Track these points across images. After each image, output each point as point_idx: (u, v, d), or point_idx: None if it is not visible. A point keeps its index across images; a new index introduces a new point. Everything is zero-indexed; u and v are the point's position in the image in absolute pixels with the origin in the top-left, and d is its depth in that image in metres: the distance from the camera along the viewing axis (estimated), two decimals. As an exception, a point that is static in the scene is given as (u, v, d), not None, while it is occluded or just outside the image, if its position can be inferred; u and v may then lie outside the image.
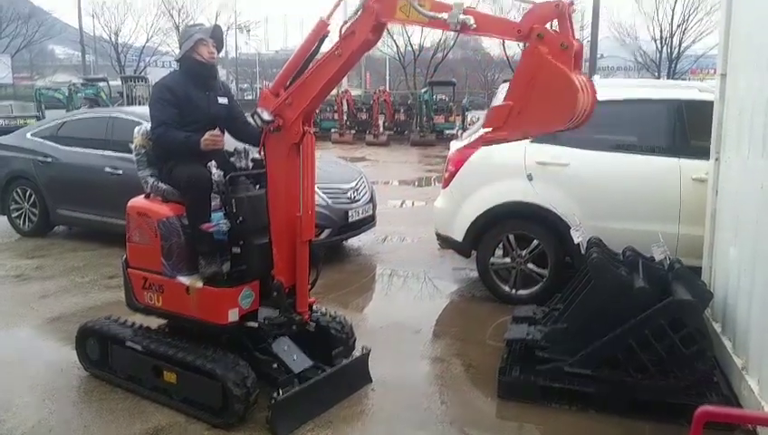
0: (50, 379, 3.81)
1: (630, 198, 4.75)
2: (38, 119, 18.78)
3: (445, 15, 2.72)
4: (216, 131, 3.54)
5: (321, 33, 3.08)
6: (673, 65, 30.82)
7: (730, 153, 3.88)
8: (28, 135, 7.64)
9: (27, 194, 7.41)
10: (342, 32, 3.00)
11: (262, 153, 3.35)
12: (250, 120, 3.34)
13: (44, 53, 55.87)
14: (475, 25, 2.69)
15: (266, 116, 3.16)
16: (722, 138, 4.03)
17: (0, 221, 7.75)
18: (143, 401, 3.51)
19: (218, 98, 3.75)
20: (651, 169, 4.74)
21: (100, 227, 7.01)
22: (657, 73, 31.09)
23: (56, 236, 7.57)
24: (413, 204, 10.80)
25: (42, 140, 7.41)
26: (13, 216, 7.57)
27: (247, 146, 3.71)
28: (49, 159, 7.21)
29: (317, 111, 24.34)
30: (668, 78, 30.02)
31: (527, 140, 4.97)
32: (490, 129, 2.67)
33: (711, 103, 4.22)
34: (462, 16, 2.68)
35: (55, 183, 7.18)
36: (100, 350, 3.78)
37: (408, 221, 8.63)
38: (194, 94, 3.62)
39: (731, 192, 3.81)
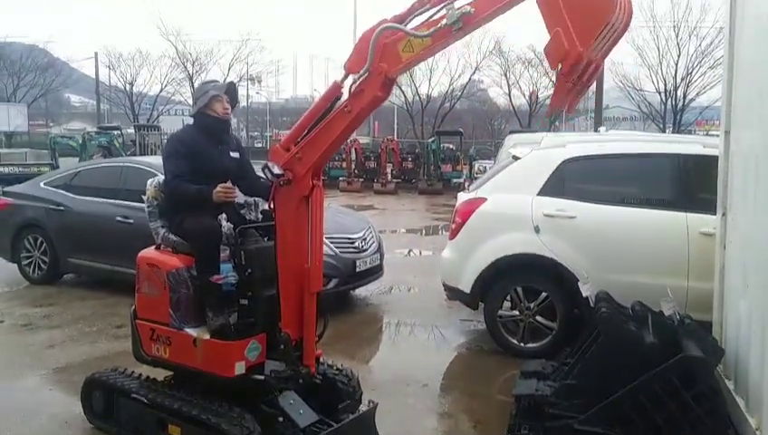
0: (54, 431, 3.78)
1: (638, 252, 4.75)
2: (52, 167, 19.10)
3: (443, 21, 2.76)
4: (229, 184, 3.59)
5: (334, 94, 3.13)
6: (678, 117, 31.06)
7: (736, 208, 3.90)
8: (41, 184, 7.78)
9: (38, 242, 7.48)
10: (352, 90, 3.07)
11: (271, 206, 3.39)
12: (260, 173, 3.39)
13: (60, 100, 57.22)
14: (473, 10, 2.70)
15: (277, 170, 3.21)
16: (728, 193, 4.05)
17: (10, 269, 7.80)
18: (147, 455, 3.47)
19: (230, 152, 3.82)
20: (658, 223, 4.75)
21: (109, 276, 7.04)
22: (662, 125, 31.29)
23: (65, 285, 7.60)
24: (420, 253, 10.81)
25: (54, 189, 7.53)
26: (23, 263, 7.62)
27: (257, 199, 3.77)
28: (61, 208, 7.31)
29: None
30: (674, 129, 30.22)
31: (534, 194, 5.02)
32: (559, 67, 2.56)
33: (716, 158, 4.26)
34: (458, 11, 2.71)
35: (66, 231, 7.25)
36: (105, 402, 3.75)
37: (416, 271, 8.62)
38: (207, 148, 3.70)
39: (739, 247, 3.81)
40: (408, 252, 10.77)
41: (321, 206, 3.32)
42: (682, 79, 29.92)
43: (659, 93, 30.98)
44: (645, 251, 4.74)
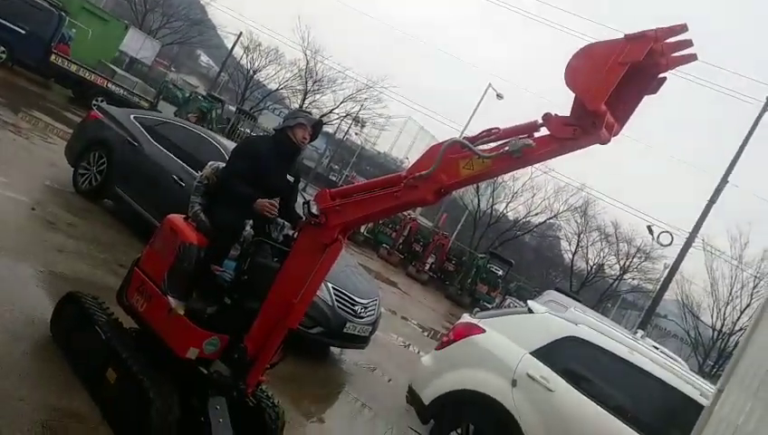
0: (18, 323, 4.05)
1: None
2: (151, 105, 20.30)
3: (506, 148, 2.96)
4: (275, 201, 3.87)
5: (396, 181, 3.32)
6: (720, 360, 29.81)
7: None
8: (131, 116, 8.38)
9: (101, 161, 8.00)
10: (409, 180, 3.27)
11: (295, 235, 3.67)
12: (298, 207, 3.67)
13: (191, 54, 60.71)
14: (534, 144, 2.91)
15: (315, 210, 3.49)
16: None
17: (68, 172, 8.27)
18: (78, 380, 3.71)
19: (288, 175, 4.15)
20: None
21: (140, 220, 7.43)
22: (703, 358, 30.10)
23: (102, 206, 8.02)
24: (417, 351, 10.68)
25: (139, 126, 8.10)
26: (79, 171, 8.13)
27: (286, 222, 4.06)
28: (135, 144, 7.84)
29: (380, 221, 23.86)
30: (713, 369, 28.96)
31: (528, 350, 5.05)
32: None
33: (701, 407, 4.23)
34: (521, 142, 2.91)
35: (128, 164, 7.75)
36: (71, 321, 4.02)
37: (400, 364, 8.57)
38: (271, 163, 4.02)
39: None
40: (405, 343, 10.75)
41: (335, 258, 3.56)
42: (740, 329, 28.89)
43: (713, 330, 29.99)
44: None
